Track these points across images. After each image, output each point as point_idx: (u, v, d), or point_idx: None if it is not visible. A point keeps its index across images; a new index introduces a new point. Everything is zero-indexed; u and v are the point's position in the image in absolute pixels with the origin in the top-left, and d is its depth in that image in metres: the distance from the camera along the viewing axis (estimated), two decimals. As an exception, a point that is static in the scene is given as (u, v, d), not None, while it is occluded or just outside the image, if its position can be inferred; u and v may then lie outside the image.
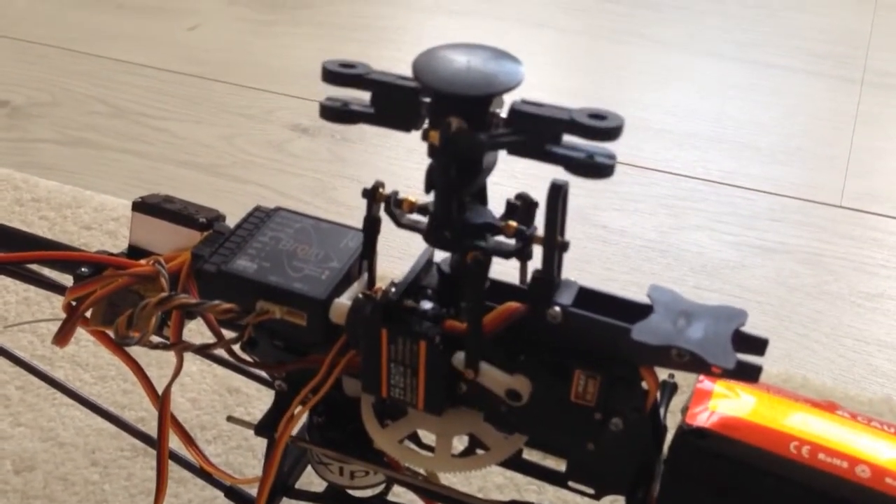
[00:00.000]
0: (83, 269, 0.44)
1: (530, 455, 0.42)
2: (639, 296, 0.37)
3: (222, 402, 0.58)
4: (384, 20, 1.17)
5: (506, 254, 0.36)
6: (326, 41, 1.12)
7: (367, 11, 1.19)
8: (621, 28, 1.12)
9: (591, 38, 1.11)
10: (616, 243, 0.76)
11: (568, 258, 0.77)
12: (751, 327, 0.36)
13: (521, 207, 0.37)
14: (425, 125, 0.34)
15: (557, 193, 0.34)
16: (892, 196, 0.81)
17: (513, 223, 0.36)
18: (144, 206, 0.46)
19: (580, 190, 0.83)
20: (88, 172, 0.87)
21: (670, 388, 0.41)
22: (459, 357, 0.36)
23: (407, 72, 0.34)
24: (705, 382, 0.38)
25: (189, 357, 0.58)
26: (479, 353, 0.36)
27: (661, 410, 0.39)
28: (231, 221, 0.44)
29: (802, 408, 0.38)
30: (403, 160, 0.88)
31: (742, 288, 0.71)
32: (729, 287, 0.71)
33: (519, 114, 0.33)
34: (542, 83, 1.00)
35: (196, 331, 0.54)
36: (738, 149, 0.88)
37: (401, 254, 0.70)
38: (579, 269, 0.73)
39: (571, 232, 0.77)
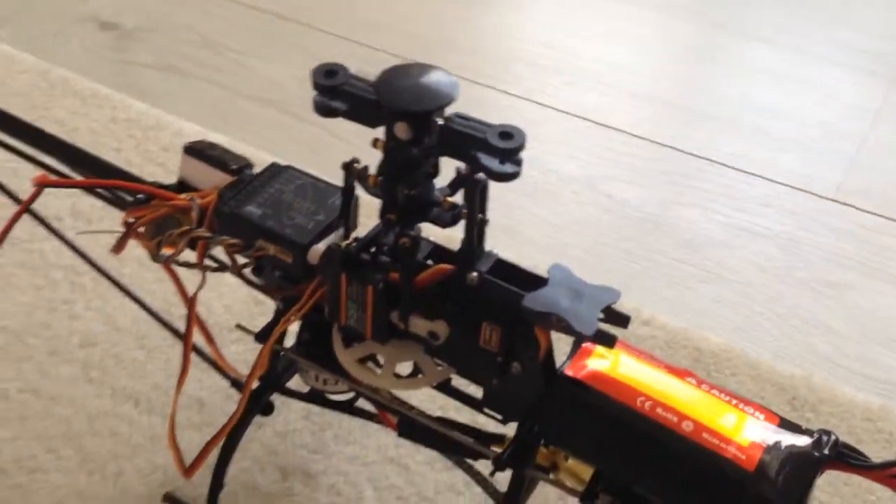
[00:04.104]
0: (140, 196, 0.56)
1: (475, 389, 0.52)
2: (542, 272, 0.47)
3: (249, 311, 0.71)
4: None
5: (442, 224, 0.47)
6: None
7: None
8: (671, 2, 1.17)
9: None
10: (615, 212, 0.85)
11: (566, 221, 0.86)
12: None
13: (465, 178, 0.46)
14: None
15: (476, 186, 0.44)
16: (885, 194, 0.87)
17: (449, 199, 0.46)
18: (192, 150, 0.57)
19: (594, 159, 0.92)
20: (173, 98, 1.00)
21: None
22: (395, 313, 0.48)
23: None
24: (590, 343, 0.48)
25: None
26: (409, 311, 0.47)
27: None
28: (282, 157, 0.54)
29: (660, 371, 0.47)
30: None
31: (718, 265, 0.79)
32: (707, 263, 0.80)
33: (449, 129, 0.43)
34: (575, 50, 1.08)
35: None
36: (751, 133, 0.95)
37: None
38: (575, 232, 0.82)
39: (577, 196, 0.87)
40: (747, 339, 0.72)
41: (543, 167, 0.90)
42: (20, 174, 0.71)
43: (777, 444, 0.44)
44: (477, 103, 0.97)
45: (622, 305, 0.43)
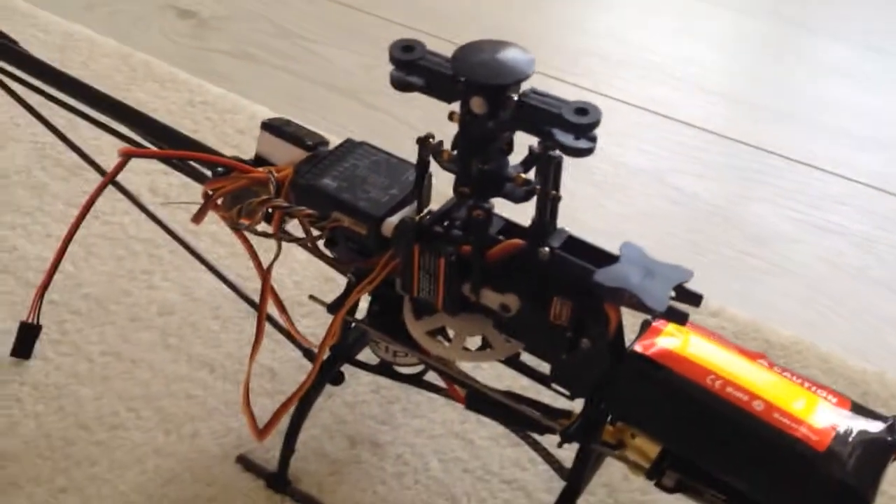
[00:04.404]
0: (219, 169, 0.58)
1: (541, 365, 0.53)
2: (615, 249, 0.47)
3: (319, 287, 0.72)
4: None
5: (514, 199, 0.47)
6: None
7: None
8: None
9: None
10: (684, 205, 0.85)
11: (634, 212, 0.86)
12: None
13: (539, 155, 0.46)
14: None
15: (549, 162, 0.45)
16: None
17: (522, 176, 0.47)
18: (270, 127, 0.59)
19: (664, 152, 0.91)
20: (248, 84, 1.02)
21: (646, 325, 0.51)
22: (466, 286, 0.48)
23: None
24: (660, 322, 0.48)
25: (299, 249, 0.72)
26: (480, 284, 0.48)
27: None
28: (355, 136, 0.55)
29: (731, 352, 0.47)
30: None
31: (788, 259, 0.78)
32: (776, 258, 0.79)
33: (524, 104, 0.43)
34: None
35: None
36: (827, 131, 0.93)
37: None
38: (642, 224, 0.82)
39: (646, 189, 0.86)
40: (817, 333, 0.71)
41: (612, 159, 0.90)
42: (103, 151, 0.74)
43: (849, 427, 0.43)
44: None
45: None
